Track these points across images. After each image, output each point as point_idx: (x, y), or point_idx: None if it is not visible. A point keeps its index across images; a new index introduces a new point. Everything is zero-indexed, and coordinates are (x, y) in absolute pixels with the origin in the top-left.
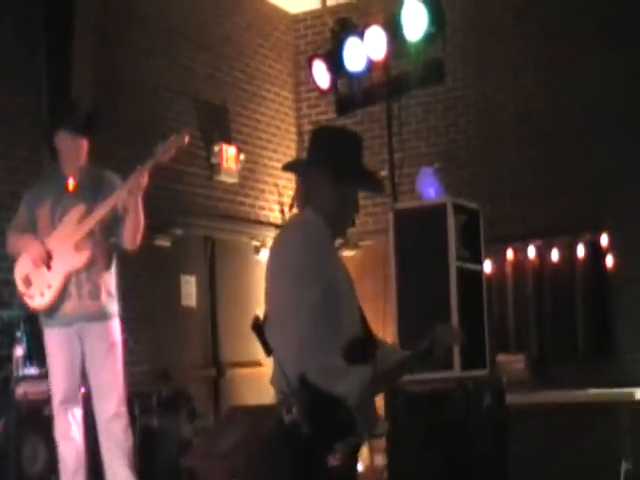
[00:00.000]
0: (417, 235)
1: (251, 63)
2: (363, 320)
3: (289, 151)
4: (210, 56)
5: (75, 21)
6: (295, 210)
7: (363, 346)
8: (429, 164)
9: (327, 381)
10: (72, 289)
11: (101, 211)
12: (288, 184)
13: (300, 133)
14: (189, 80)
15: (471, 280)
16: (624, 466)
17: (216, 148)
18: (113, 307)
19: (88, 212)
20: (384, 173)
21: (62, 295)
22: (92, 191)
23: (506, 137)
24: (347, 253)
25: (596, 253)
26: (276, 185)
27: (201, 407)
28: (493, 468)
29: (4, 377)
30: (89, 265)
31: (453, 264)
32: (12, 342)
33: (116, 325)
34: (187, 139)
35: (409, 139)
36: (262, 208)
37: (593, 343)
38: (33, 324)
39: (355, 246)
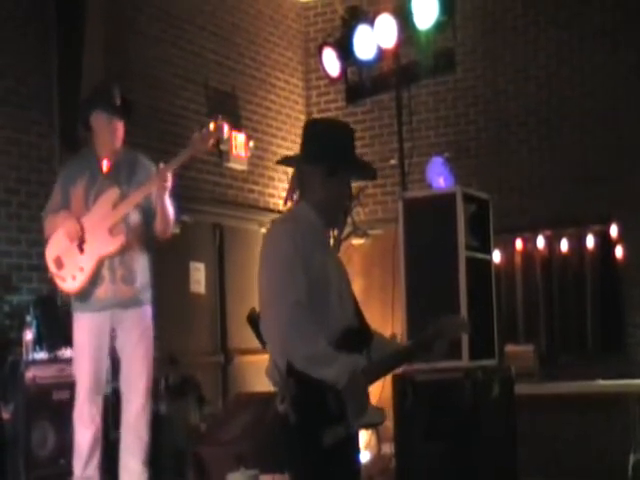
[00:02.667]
0: (426, 224)
1: (261, 50)
2: (358, 311)
3: (298, 139)
4: (220, 44)
5: (86, 8)
6: (290, 204)
7: (357, 336)
8: (439, 153)
9: (313, 367)
10: (105, 273)
11: (136, 197)
12: None
13: None
14: (199, 67)
15: (480, 270)
16: (632, 457)
17: (225, 135)
18: (147, 293)
19: (123, 196)
20: (393, 162)
21: (94, 279)
22: (127, 174)
23: (516, 127)
24: (356, 242)
25: (605, 244)
26: (286, 173)
27: (209, 393)
28: (501, 458)
29: (13, 361)
30: (123, 250)
31: (462, 254)
32: (22, 326)
33: (149, 312)
34: (226, 130)
35: (419, 128)
36: (271, 195)
37: (602, 334)
38: (43, 308)
39: (364, 235)
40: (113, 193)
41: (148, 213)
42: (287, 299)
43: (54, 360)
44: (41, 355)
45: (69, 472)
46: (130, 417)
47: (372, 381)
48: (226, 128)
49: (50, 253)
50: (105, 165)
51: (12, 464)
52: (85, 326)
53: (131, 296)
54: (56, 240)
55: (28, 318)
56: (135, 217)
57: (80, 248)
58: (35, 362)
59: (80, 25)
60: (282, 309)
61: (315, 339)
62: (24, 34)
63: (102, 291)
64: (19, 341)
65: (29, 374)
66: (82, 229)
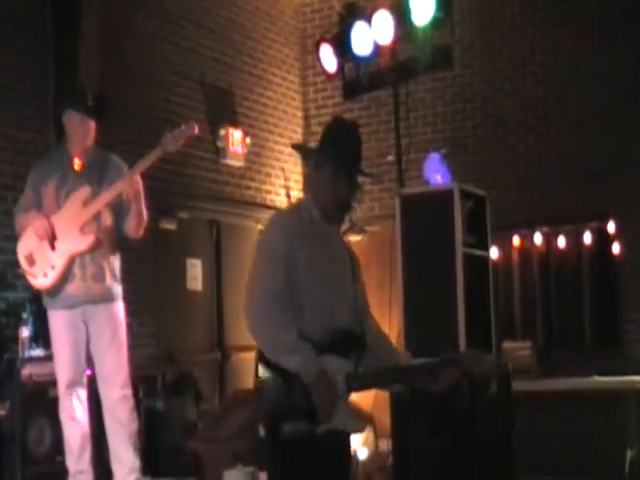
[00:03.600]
0: (423, 221)
1: (258, 47)
2: (358, 315)
3: (295, 135)
4: (217, 40)
5: (82, 5)
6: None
7: (347, 340)
8: (436, 150)
9: (276, 354)
10: (76, 271)
11: (107, 196)
12: (294, 168)
13: (306, 117)
14: (195, 64)
15: (477, 266)
16: (629, 453)
17: (222, 132)
18: (118, 289)
19: (94, 194)
20: (391, 158)
21: (65, 276)
22: (98, 173)
23: (513, 124)
24: (353, 238)
25: (603, 240)
26: (282, 169)
27: (206, 390)
28: (498, 454)
29: (10, 358)
30: (94, 248)
31: (459, 250)
32: (18, 323)
33: (121, 307)
34: (197, 130)
35: (416, 124)
36: (268, 192)
37: (599, 330)
38: (39, 305)
39: (361, 231)
40: (84, 191)
41: (119, 212)
42: (262, 286)
43: (50, 357)
44: (37, 352)
45: (65, 469)
46: (108, 405)
47: (357, 389)
48: (196, 129)
49: (22, 250)
50: (77, 164)
51: (8, 461)
52: (60, 323)
53: (101, 293)
54: (27, 238)
55: (24, 315)
56: (106, 216)
57: (51, 246)
58: (31, 359)
59: (76, 22)
60: (255, 295)
61: (283, 327)
62: (21, 31)
63: (73, 288)
64: (15, 338)
65: (25, 371)
66: (52, 227)
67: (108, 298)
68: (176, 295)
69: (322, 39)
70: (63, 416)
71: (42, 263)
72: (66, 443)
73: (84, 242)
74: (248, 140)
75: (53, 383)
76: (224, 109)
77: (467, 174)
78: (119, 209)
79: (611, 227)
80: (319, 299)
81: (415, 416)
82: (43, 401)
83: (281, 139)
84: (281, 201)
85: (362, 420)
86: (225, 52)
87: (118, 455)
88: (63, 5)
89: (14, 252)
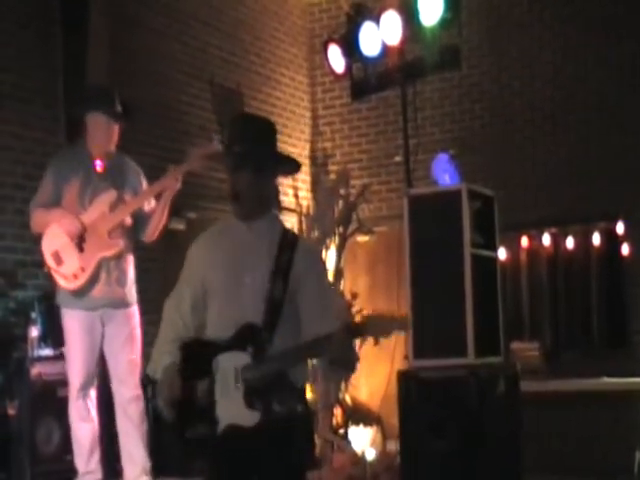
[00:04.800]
0: (431, 221)
1: (266, 47)
2: (264, 309)
3: (303, 135)
4: (225, 40)
5: (90, 3)
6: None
7: (246, 333)
8: (444, 150)
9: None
10: (102, 275)
11: (138, 202)
12: (302, 168)
13: (315, 117)
14: (203, 64)
15: (485, 267)
16: (638, 454)
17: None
18: (135, 294)
19: (119, 199)
20: (398, 159)
21: (93, 279)
22: (120, 177)
23: (521, 124)
24: (361, 239)
25: (612, 241)
26: None
27: None
28: (506, 456)
29: (19, 358)
30: (121, 254)
31: (467, 251)
32: (27, 323)
33: (136, 312)
34: (218, 147)
35: (424, 125)
36: None
37: (608, 332)
38: (48, 305)
39: (369, 232)
40: (110, 195)
41: (139, 218)
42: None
43: (59, 357)
44: (46, 351)
45: (74, 468)
46: (120, 405)
47: (254, 379)
48: (217, 146)
49: (48, 247)
50: (99, 165)
51: (17, 460)
52: (77, 323)
53: (122, 297)
54: (53, 235)
55: (33, 314)
56: (128, 221)
57: (79, 247)
58: (40, 358)
59: (85, 20)
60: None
61: (163, 334)
62: (29, 29)
63: (96, 291)
64: (24, 337)
65: (34, 370)
66: (84, 228)
67: (128, 302)
68: None
69: (330, 39)
70: (74, 416)
71: (70, 263)
72: (76, 443)
73: (113, 247)
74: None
75: (62, 383)
76: (233, 109)
77: (475, 174)
78: (139, 216)
79: (620, 228)
80: (221, 297)
81: (422, 416)
82: (52, 400)
83: (289, 139)
84: (289, 201)
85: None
86: (233, 52)
87: (132, 455)
88: (71, 2)
89: (24, 251)
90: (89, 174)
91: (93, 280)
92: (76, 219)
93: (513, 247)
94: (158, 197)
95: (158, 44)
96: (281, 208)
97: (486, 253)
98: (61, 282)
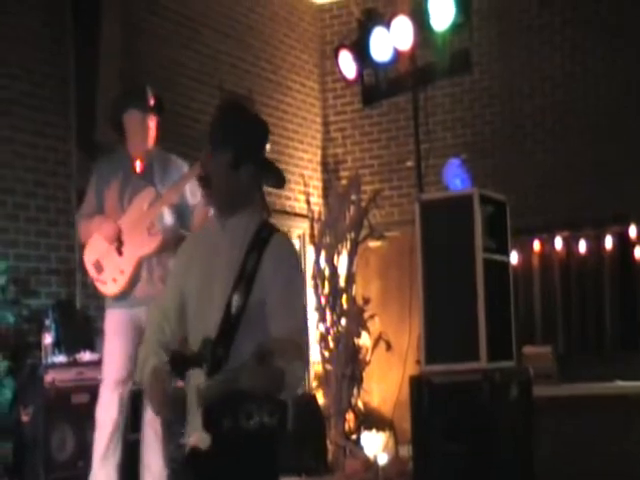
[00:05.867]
0: (443, 226)
1: (277, 53)
2: (222, 321)
3: (314, 141)
4: (235, 46)
5: (102, 10)
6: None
7: (202, 348)
8: (455, 155)
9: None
10: (143, 273)
11: (172, 195)
12: (314, 174)
13: (326, 124)
14: (214, 70)
15: (498, 271)
16: None
17: None
18: None
19: (158, 196)
20: (410, 164)
21: (134, 280)
22: (160, 174)
23: (532, 128)
24: (373, 244)
25: (624, 245)
26: (302, 175)
27: None
28: (518, 460)
29: (32, 364)
30: (161, 249)
31: (480, 255)
32: (40, 330)
33: None
34: None
35: (435, 130)
36: (288, 198)
37: (621, 335)
38: (61, 312)
39: (380, 237)
40: (149, 193)
41: (183, 213)
42: None
43: (73, 363)
44: (60, 358)
45: (87, 475)
46: (152, 417)
47: (208, 399)
48: None
49: (89, 258)
50: (138, 165)
51: (31, 466)
52: (117, 319)
53: None
54: (94, 244)
55: (47, 322)
56: (169, 217)
57: (119, 250)
58: (54, 365)
59: (96, 27)
60: None
61: (148, 338)
62: (40, 37)
63: (139, 290)
64: (38, 345)
65: (48, 377)
66: (120, 231)
67: None
68: None
69: (341, 45)
70: (100, 411)
71: (110, 269)
72: (95, 440)
73: (151, 244)
74: (267, 147)
75: (76, 389)
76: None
77: (486, 179)
78: (182, 209)
79: (632, 231)
80: (194, 307)
81: (435, 421)
82: (65, 407)
83: (300, 145)
84: (301, 207)
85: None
86: (244, 58)
87: (150, 466)
88: (83, 10)
89: (37, 259)
90: (128, 175)
91: (134, 280)
92: (113, 223)
93: (525, 251)
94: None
95: (168, 50)
96: (270, 212)
97: (498, 258)
98: (102, 289)
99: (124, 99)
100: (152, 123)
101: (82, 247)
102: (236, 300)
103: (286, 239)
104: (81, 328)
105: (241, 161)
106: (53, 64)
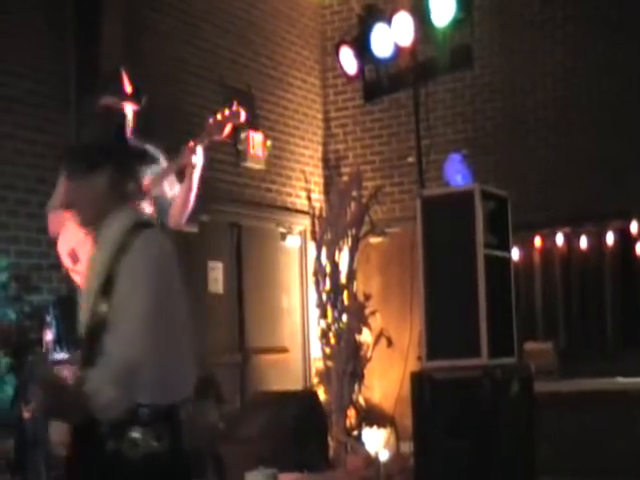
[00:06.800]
0: (444, 222)
1: (277, 49)
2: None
3: (315, 137)
4: (236, 42)
5: (103, 7)
6: None
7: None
8: (456, 150)
9: None
10: None
11: (151, 186)
12: (315, 170)
13: (327, 120)
14: (215, 66)
15: (499, 267)
16: None
17: (243, 135)
18: None
19: None
20: (411, 160)
21: None
22: None
23: (533, 123)
24: (374, 240)
25: (626, 240)
26: (303, 172)
27: (227, 392)
28: (520, 456)
29: (34, 361)
30: None
31: (481, 251)
32: (42, 326)
33: None
34: (229, 112)
35: (436, 125)
36: (289, 195)
37: (622, 331)
38: (62, 308)
39: (381, 233)
40: None
41: (161, 205)
42: None
43: (74, 360)
44: (61, 355)
45: None
46: None
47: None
48: (243, 114)
49: (63, 248)
50: None
51: (33, 463)
52: None
53: None
54: (67, 234)
55: (48, 318)
56: (147, 209)
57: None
58: (55, 362)
59: (97, 24)
60: None
61: None
62: (41, 33)
63: None
64: (39, 341)
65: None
66: None
67: None
68: (197, 297)
69: (342, 41)
70: None
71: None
72: None
73: None
74: (268, 143)
75: None
76: (244, 112)
77: (488, 174)
78: (158, 200)
79: (634, 227)
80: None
81: (436, 417)
82: None
83: (301, 142)
84: (302, 204)
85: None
86: (244, 54)
87: None
88: (83, 6)
89: (38, 255)
90: None
91: None
92: None
93: (526, 247)
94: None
95: (169, 46)
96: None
97: (499, 254)
98: (78, 280)
99: (100, 85)
100: (128, 111)
101: (54, 239)
102: (97, 313)
103: (150, 237)
104: None
105: (95, 166)
106: (54, 62)
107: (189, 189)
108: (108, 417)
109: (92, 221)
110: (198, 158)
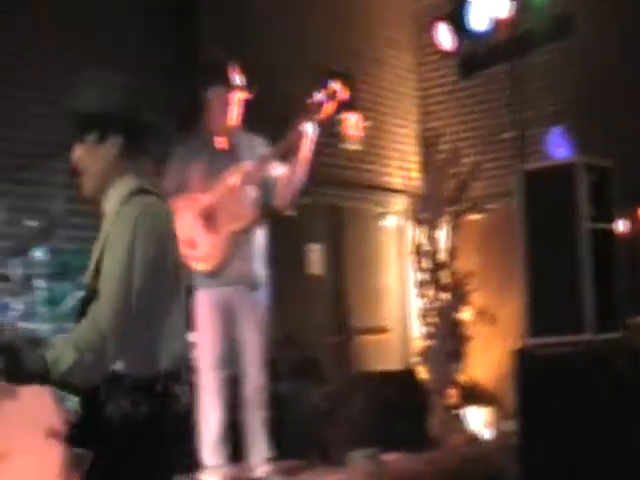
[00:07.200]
0: (545, 196)
1: (371, 29)
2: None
3: (411, 116)
4: (330, 24)
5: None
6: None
7: None
8: (556, 123)
9: None
10: (233, 250)
11: (259, 168)
12: (411, 149)
13: (423, 97)
14: (309, 49)
15: (603, 240)
16: None
17: (339, 116)
18: (264, 273)
19: (245, 171)
20: (508, 134)
21: (226, 256)
22: (246, 150)
23: (635, 93)
24: (472, 217)
25: None
26: (399, 151)
27: (328, 373)
28: (625, 433)
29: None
30: (251, 226)
31: (585, 225)
32: None
33: (265, 293)
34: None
35: (534, 98)
36: (386, 174)
37: None
38: None
39: (481, 210)
40: (238, 169)
41: (266, 186)
42: None
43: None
44: None
45: (199, 461)
46: (249, 390)
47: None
48: (341, 92)
49: (179, 234)
50: (222, 142)
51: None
52: (208, 300)
53: (253, 275)
54: (183, 221)
55: None
56: (255, 193)
57: (210, 226)
58: None
59: (194, 12)
60: None
61: None
62: (140, 29)
63: (229, 267)
64: None
65: None
66: (210, 207)
67: (259, 280)
68: (297, 280)
69: (437, 17)
70: (204, 401)
71: (203, 245)
72: (203, 432)
73: (241, 220)
74: (365, 123)
75: None
76: (343, 90)
77: (589, 146)
78: (267, 186)
79: None
80: None
81: (538, 395)
82: None
83: (398, 120)
84: (398, 183)
85: None
86: (338, 36)
87: (256, 444)
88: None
89: None
90: (213, 153)
91: (226, 256)
92: (202, 200)
93: (632, 219)
94: (288, 161)
95: (262, 33)
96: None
97: (604, 226)
98: (197, 266)
99: (206, 75)
100: (236, 100)
101: None
102: (90, 271)
103: (137, 204)
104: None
105: (106, 135)
106: (151, 53)
107: (295, 170)
108: (75, 382)
109: (96, 191)
110: (309, 133)
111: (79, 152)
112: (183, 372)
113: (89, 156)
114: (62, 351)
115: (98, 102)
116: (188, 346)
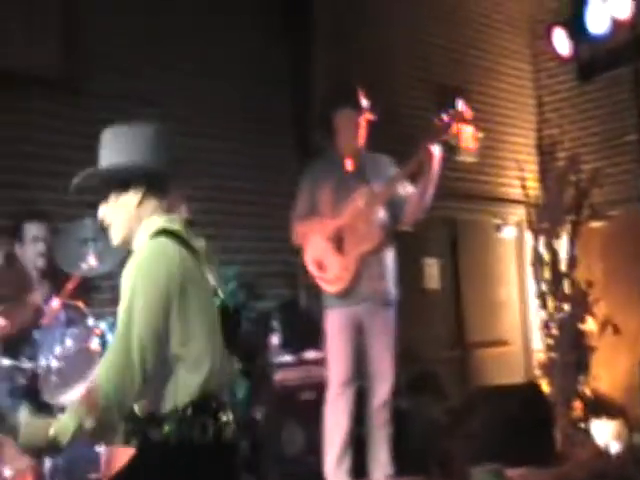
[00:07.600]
0: None
1: (485, 38)
2: None
3: (527, 124)
4: (444, 36)
5: (313, 9)
6: None
7: None
8: None
9: None
10: (363, 270)
11: (388, 191)
12: (529, 158)
13: (540, 105)
14: (425, 63)
15: None
16: None
17: (453, 129)
18: (394, 289)
19: (372, 192)
20: (630, 138)
21: (357, 277)
22: (372, 171)
23: None
24: (594, 225)
25: None
26: (516, 161)
27: (448, 387)
28: None
29: (262, 365)
30: (381, 246)
31: None
32: (267, 331)
33: (394, 311)
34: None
35: None
36: (503, 185)
37: None
38: (287, 314)
39: (603, 217)
40: (364, 191)
41: (395, 206)
42: None
43: (299, 362)
44: (287, 358)
45: (317, 470)
46: (375, 406)
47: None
48: (468, 112)
49: (310, 257)
50: (349, 164)
51: (264, 462)
52: (338, 320)
53: (384, 292)
54: (313, 244)
55: (273, 323)
56: (383, 212)
57: (339, 248)
58: (281, 365)
59: (309, 26)
60: None
61: None
62: (252, 41)
63: (359, 287)
64: (266, 346)
65: (277, 377)
66: (339, 230)
67: (389, 299)
68: (414, 294)
69: (554, 22)
70: (329, 416)
71: (333, 267)
72: (328, 445)
73: (372, 241)
74: (480, 135)
75: (303, 387)
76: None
77: None
78: (396, 203)
79: None
80: None
81: None
82: (293, 404)
83: (514, 130)
84: (516, 193)
85: None
86: (452, 47)
87: (379, 459)
88: (293, 10)
89: (262, 263)
90: (342, 175)
91: (356, 277)
92: (331, 223)
93: None
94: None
95: (375, 49)
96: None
97: None
98: (326, 287)
99: (335, 97)
100: (362, 122)
101: (298, 248)
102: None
103: (148, 247)
104: (305, 328)
105: (128, 187)
106: (266, 68)
107: (424, 189)
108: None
109: (124, 240)
110: (437, 153)
111: (103, 210)
112: (214, 403)
113: (112, 210)
114: (64, 421)
115: (118, 161)
116: (227, 374)
